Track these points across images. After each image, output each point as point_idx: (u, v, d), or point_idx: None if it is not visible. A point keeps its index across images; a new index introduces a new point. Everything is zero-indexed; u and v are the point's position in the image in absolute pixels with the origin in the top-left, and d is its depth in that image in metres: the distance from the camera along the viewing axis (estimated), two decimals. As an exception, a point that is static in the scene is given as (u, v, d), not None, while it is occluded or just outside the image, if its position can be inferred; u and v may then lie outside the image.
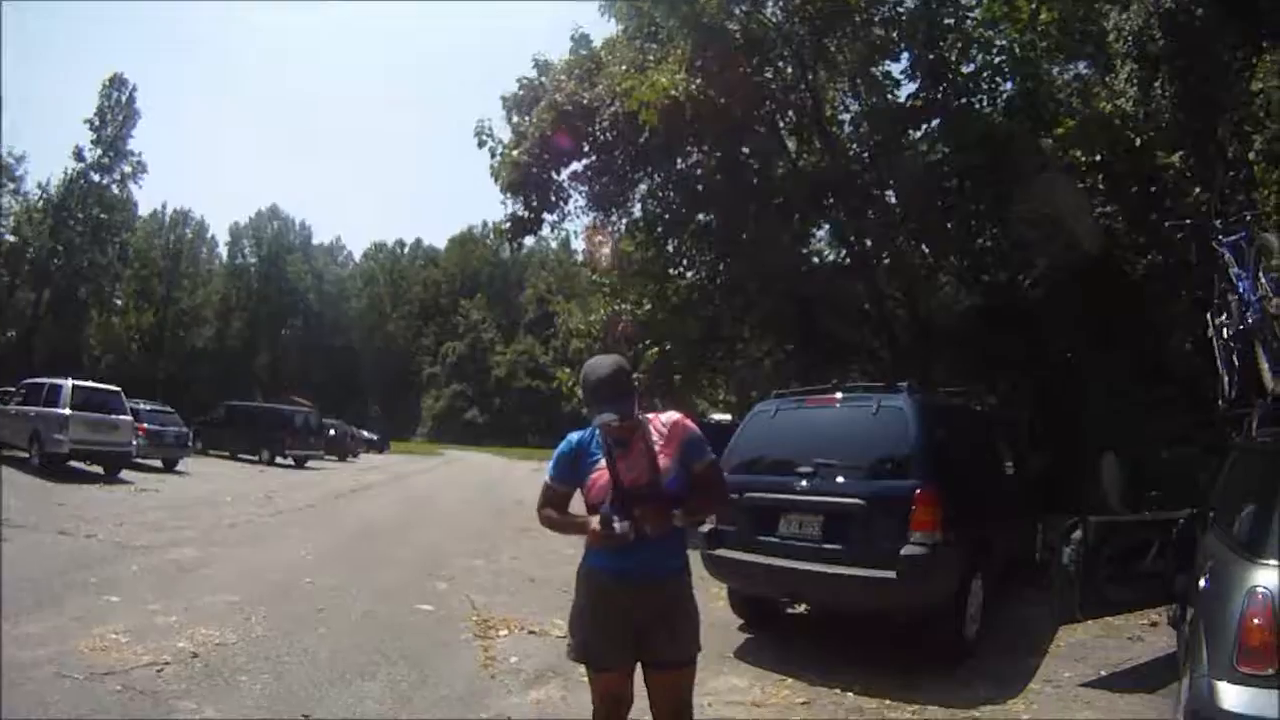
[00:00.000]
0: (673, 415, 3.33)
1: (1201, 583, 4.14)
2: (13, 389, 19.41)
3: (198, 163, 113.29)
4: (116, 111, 55.75)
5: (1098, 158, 12.49)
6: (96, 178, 55.37)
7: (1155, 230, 11.75)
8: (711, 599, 7.66)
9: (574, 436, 3.36)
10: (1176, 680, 4.32)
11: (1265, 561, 3.37)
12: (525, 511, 16.23)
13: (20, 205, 52.40)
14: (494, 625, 7.13)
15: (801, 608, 7.55)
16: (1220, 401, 6.55)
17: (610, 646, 3.16)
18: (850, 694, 5.50)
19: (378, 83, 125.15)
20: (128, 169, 56.96)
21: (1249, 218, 6.54)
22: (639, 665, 3.22)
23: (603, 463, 3.20)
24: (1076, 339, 13.19)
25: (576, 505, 3.33)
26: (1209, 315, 7.01)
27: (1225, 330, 6.48)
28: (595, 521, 3.07)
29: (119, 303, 63.95)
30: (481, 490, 23.26)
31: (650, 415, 3.31)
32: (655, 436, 3.21)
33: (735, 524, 6.64)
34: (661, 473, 3.13)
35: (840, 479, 6.30)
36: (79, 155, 54.63)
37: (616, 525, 3.02)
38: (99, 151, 55.24)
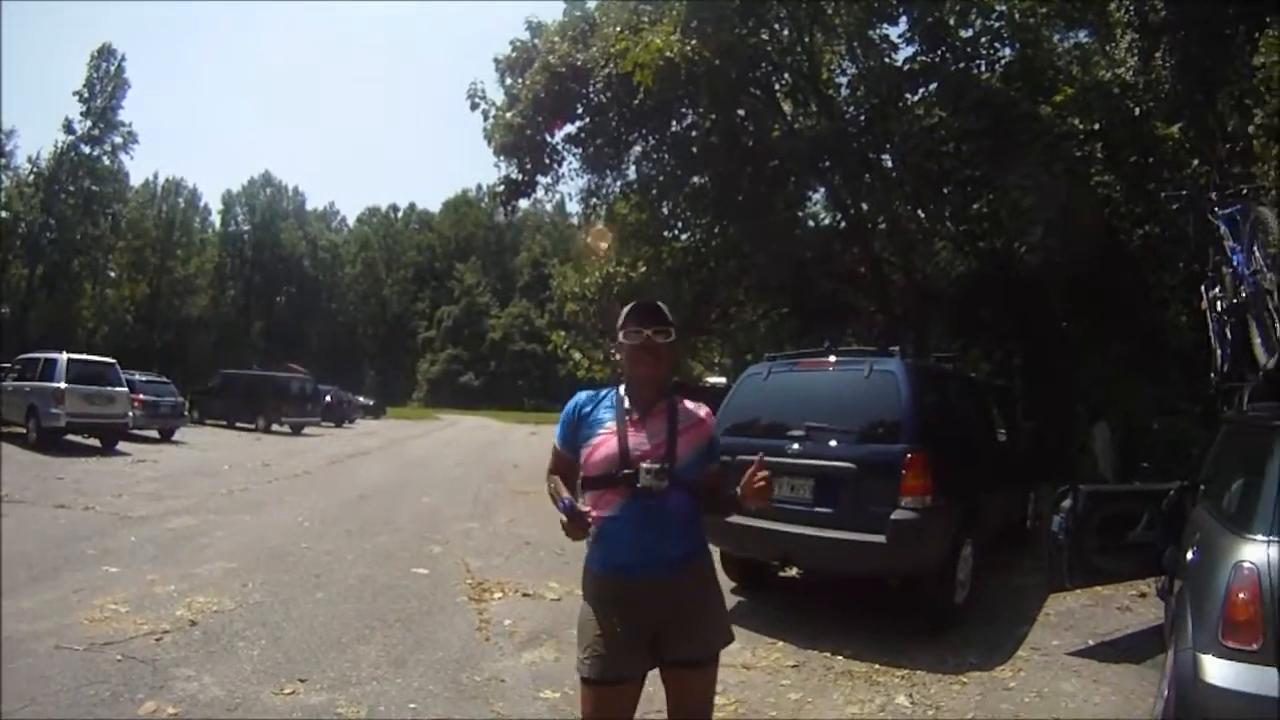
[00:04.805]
0: (703, 406, 2.88)
1: (1189, 555, 4.14)
2: (8, 364, 19.32)
3: (189, 132, 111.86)
4: (106, 82, 55.78)
5: (1096, 126, 12.40)
6: (87, 150, 55.50)
7: (1153, 201, 11.69)
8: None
9: (581, 395, 2.90)
10: (1163, 652, 4.34)
11: (1252, 536, 3.37)
12: (521, 474, 16.56)
13: (10, 180, 52.47)
14: (488, 588, 7.20)
15: (793, 571, 7.60)
16: (1213, 375, 6.55)
17: (622, 655, 2.67)
18: (840, 657, 5.55)
19: (369, 45, 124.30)
20: (118, 140, 57.19)
21: (1245, 191, 6.50)
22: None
23: (607, 428, 2.75)
24: (1071, 308, 13.18)
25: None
26: (1203, 288, 7.00)
27: (1219, 304, 6.45)
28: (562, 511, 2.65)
29: (113, 274, 63.95)
30: (478, 454, 23.33)
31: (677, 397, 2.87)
32: (682, 416, 2.78)
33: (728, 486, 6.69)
34: (679, 454, 2.69)
35: (832, 442, 6.28)
36: (69, 127, 54.87)
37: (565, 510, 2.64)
38: (89, 123, 55.40)
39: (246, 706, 4.32)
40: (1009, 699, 4.91)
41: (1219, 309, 6.47)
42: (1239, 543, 3.43)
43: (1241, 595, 3.23)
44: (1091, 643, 6.03)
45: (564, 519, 2.63)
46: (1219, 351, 6.41)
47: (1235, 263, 5.98)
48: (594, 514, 2.68)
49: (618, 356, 2.85)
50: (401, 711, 4.40)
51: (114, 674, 4.61)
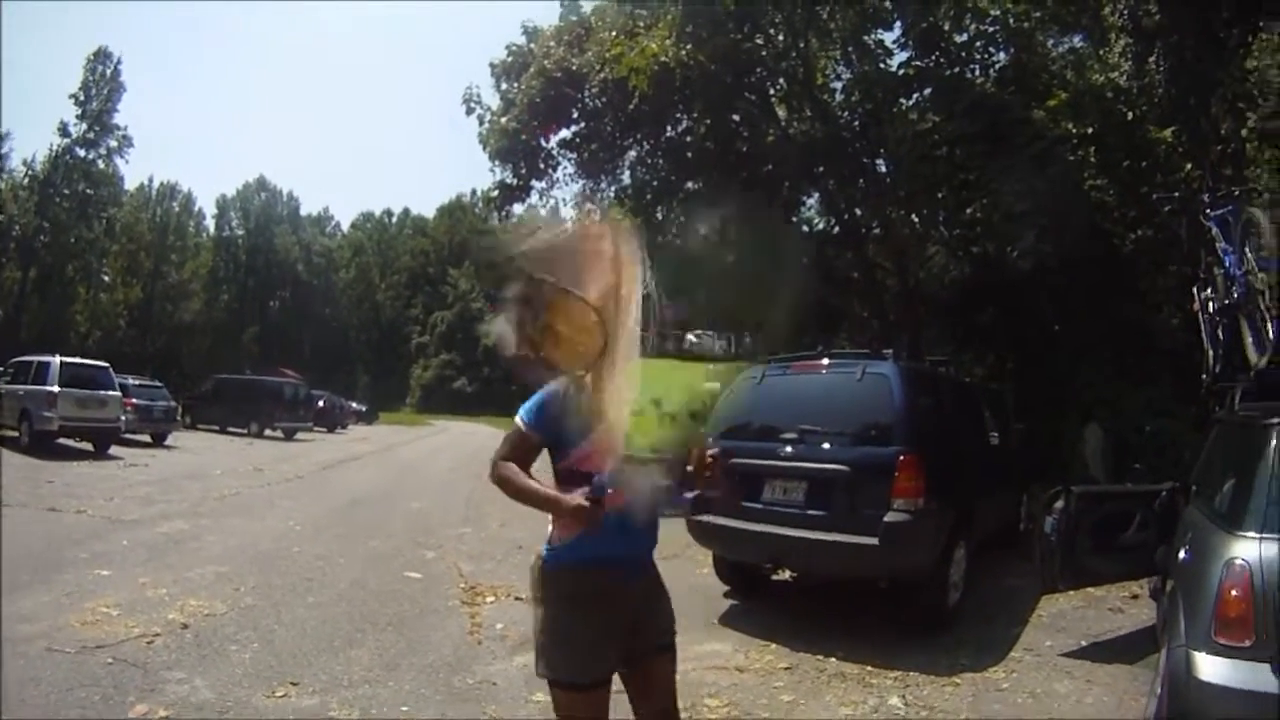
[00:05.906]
0: None
1: (1181, 554, 4.15)
2: (1, 368, 19.26)
3: (184, 136, 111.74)
4: (102, 85, 55.43)
5: (1089, 131, 12.37)
6: (82, 153, 55.11)
7: (1145, 204, 11.68)
8: (697, 566, 7.74)
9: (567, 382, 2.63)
10: (1156, 652, 4.35)
11: (1244, 534, 3.37)
12: (514, 481, 16.47)
13: (5, 183, 52.11)
14: (481, 592, 7.17)
15: (786, 574, 7.59)
16: (1205, 376, 6.56)
17: (604, 655, 2.58)
18: (833, 659, 5.53)
19: (366, 50, 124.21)
20: (114, 143, 56.67)
21: (1238, 192, 6.50)
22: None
23: None
24: (1064, 311, 13.20)
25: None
26: (1195, 290, 7.01)
27: (1211, 305, 6.46)
28: (579, 496, 2.36)
29: (106, 278, 63.35)
30: (470, 459, 23.19)
31: None
32: None
33: (720, 490, 6.67)
34: None
35: (825, 445, 6.29)
36: (64, 131, 54.46)
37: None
38: (84, 126, 54.93)
39: (238, 709, 4.31)
40: (1002, 700, 4.91)
41: (1211, 310, 6.48)
42: (1231, 540, 3.42)
43: (1234, 592, 3.23)
44: (1084, 643, 6.03)
45: (584, 504, 2.36)
46: (1211, 352, 6.41)
47: (1227, 263, 5.97)
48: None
49: None
50: (393, 715, 4.40)
51: (105, 677, 4.59)
